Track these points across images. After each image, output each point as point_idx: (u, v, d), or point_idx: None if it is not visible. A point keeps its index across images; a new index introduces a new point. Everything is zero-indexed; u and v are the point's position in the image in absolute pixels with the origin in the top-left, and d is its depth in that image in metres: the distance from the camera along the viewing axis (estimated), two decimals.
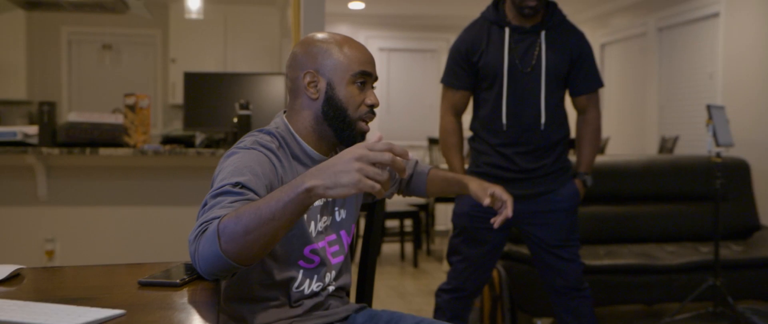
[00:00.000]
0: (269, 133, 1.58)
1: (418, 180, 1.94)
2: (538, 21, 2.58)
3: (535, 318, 3.54)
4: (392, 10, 7.55)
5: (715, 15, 5.51)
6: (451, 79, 2.70)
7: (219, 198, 1.35)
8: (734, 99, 5.20)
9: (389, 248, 6.44)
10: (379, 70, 7.38)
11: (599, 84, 2.69)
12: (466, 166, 2.74)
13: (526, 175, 2.60)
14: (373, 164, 1.19)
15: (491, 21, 2.62)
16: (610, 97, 7.17)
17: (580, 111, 2.71)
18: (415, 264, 5.63)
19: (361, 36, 7.84)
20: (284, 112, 1.66)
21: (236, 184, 1.36)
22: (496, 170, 2.62)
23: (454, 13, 7.42)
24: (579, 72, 2.63)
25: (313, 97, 1.59)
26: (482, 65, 2.60)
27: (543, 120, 2.56)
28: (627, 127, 6.87)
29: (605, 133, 7.12)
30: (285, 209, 1.20)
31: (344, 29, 7.79)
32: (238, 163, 1.44)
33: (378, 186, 1.19)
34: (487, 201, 1.85)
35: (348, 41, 1.62)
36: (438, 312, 2.73)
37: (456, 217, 2.69)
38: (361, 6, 7.36)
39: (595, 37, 7.28)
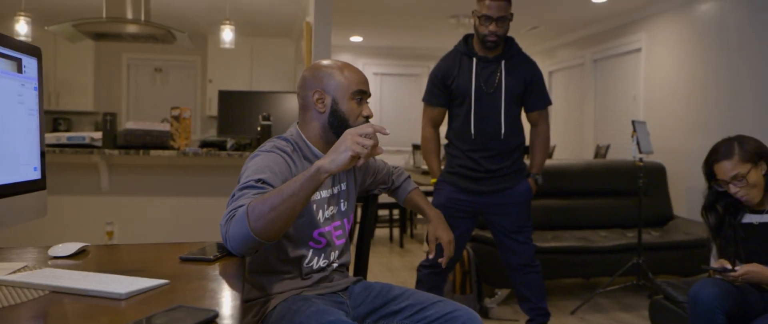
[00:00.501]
0: (285, 139, 1.58)
1: (401, 192, 1.92)
2: (499, 52, 2.58)
3: (496, 289, 3.52)
4: (385, 42, 7.54)
5: (638, 50, 5.53)
6: (431, 98, 2.68)
7: (244, 190, 1.34)
8: (653, 116, 5.21)
9: (381, 232, 6.41)
10: (373, 90, 7.37)
11: (548, 102, 2.69)
12: (443, 167, 2.73)
13: (490, 174, 2.59)
14: (361, 136, 1.27)
15: (462, 52, 2.62)
16: (556, 113, 7.17)
17: (533, 124, 2.71)
18: (402, 245, 5.61)
19: (360, 63, 7.82)
20: (297, 123, 1.65)
21: (259, 181, 1.36)
22: (466, 171, 2.61)
23: (433, 46, 7.42)
24: (532, 93, 2.63)
25: (321, 111, 1.59)
26: (455, 87, 2.60)
27: (503, 130, 2.56)
28: (570, 137, 6.88)
29: (553, 141, 7.13)
30: (302, 187, 1.25)
31: (346, 57, 7.77)
32: (260, 163, 1.43)
33: (368, 146, 1.26)
34: (430, 250, 1.80)
35: (347, 66, 1.62)
36: (419, 284, 2.71)
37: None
38: (360, 39, 7.34)
39: (545, 66, 7.29)
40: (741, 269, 1.95)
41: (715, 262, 2.11)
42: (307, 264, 1.59)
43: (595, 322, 3.28)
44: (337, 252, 1.65)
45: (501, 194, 2.59)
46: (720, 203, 2.15)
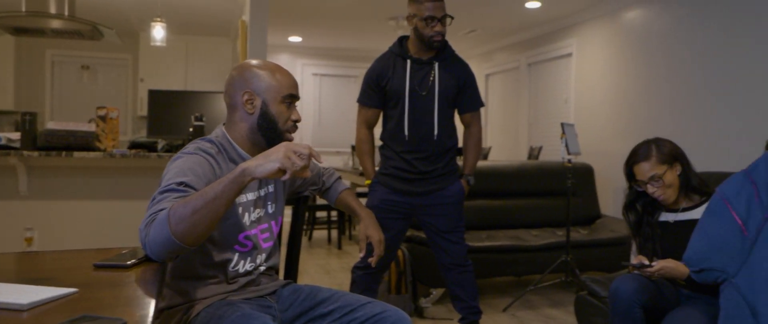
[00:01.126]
0: (210, 141, 1.54)
1: (332, 193, 1.91)
2: (433, 55, 2.61)
3: (432, 288, 3.56)
4: (324, 43, 7.51)
5: (569, 55, 5.72)
6: (365, 99, 2.69)
7: (165, 194, 1.30)
8: (583, 118, 5.41)
9: (319, 234, 6.38)
10: (312, 91, 7.29)
11: (480, 105, 2.73)
12: (377, 168, 2.74)
13: (423, 175, 2.62)
14: (295, 153, 1.27)
15: (396, 54, 2.63)
16: (493, 115, 7.33)
17: (466, 125, 2.75)
18: (340, 246, 5.59)
19: (299, 63, 7.75)
20: (223, 124, 1.62)
21: (180, 184, 1.33)
22: (400, 172, 2.62)
23: (372, 47, 7.44)
24: (464, 95, 2.67)
25: (249, 112, 1.57)
26: (389, 89, 2.61)
27: (436, 132, 2.59)
28: (505, 138, 7.04)
29: (489, 143, 7.28)
30: (225, 189, 1.23)
31: (285, 58, 7.68)
32: (182, 166, 1.40)
33: (298, 165, 1.26)
34: (361, 249, 1.81)
35: (279, 69, 1.61)
36: (353, 285, 2.71)
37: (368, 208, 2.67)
38: (299, 39, 7.28)
39: (481, 69, 7.44)
40: (657, 265, 2.04)
41: (634, 259, 2.21)
42: (233, 268, 1.56)
43: (525, 319, 3.37)
44: (264, 255, 1.63)
45: (434, 195, 2.62)
46: (639, 202, 2.25)
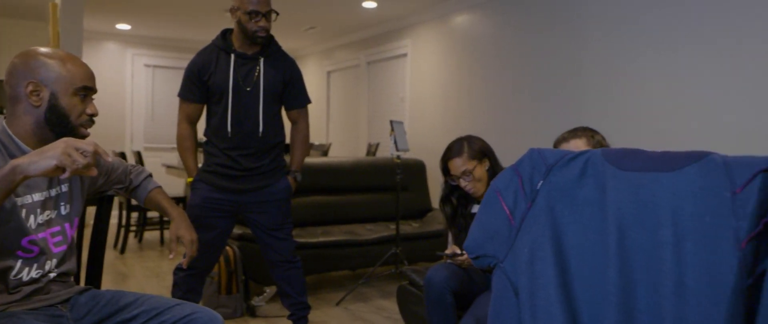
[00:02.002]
0: None
1: (141, 192, 1.81)
2: (258, 49, 2.57)
3: (265, 287, 3.52)
4: (156, 32, 7.07)
5: (405, 55, 5.96)
6: (187, 93, 2.58)
7: None
8: (417, 116, 5.68)
9: (151, 235, 6.02)
10: (144, 83, 6.81)
11: (307, 101, 2.74)
12: (201, 166, 2.64)
13: (248, 172, 2.57)
14: (77, 150, 1.18)
15: (220, 48, 2.56)
16: (334, 112, 7.42)
17: (293, 122, 2.75)
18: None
19: (129, 53, 7.23)
20: (4, 117, 1.46)
21: None
22: (224, 169, 2.56)
23: (207, 39, 7.14)
24: (291, 91, 2.66)
25: (35, 105, 1.43)
26: (211, 84, 2.53)
27: (261, 129, 2.55)
28: (346, 135, 7.16)
29: (330, 140, 7.36)
30: None
31: (112, 47, 7.12)
32: None
33: (80, 163, 1.18)
34: (172, 250, 1.76)
35: (71, 58, 1.48)
36: (175, 287, 2.59)
37: (189, 208, 2.57)
38: (127, 27, 6.78)
39: (323, 66, 7.49)
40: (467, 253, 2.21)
41: (449, 249, 2.36)
42: (16, 276, 1.41)
43: (357, 311, 3.46)
44: (55, 260, 1.49)
45: (260, 192, 2.59)
46: (454, 195, 2.41)
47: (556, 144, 2.24)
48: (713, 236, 0.84)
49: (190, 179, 2.60)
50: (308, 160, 4.11)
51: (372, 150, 5.77)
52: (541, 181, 1.10)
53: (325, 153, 5.92)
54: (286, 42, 6.66)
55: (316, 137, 7.54)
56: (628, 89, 3.63)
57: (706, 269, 0.84)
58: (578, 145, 2.17)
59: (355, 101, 6.92)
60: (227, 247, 3.35)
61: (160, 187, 1.84)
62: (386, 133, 6.24)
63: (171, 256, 1.74)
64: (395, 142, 3.57)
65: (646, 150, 1.01)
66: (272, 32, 2.60)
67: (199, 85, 2.54)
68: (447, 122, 5.30)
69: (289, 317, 2.79)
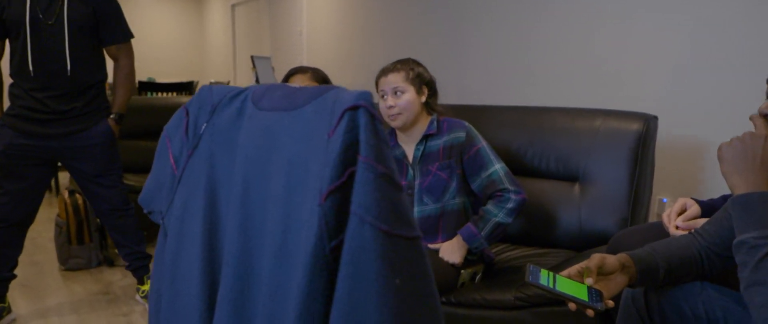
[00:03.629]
0: None
1: None
2: None
3: None
4: None
5: None
6: None
7: None
8: (314, 50, 5.43)
9: None
10: None
11: (128, 36, 2.47)
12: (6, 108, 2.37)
13: (60, 116, 2.32)
14: None
15: None
16: (239, 47, 7.07)
17: (114, 59, 2.48)
18: None
19: None
20: None
21: None
22: (31, 112, 2.30)
23: None
24: (106, 26, 2.39)
25: None
26: (6, 17, 2.24)
27: (69, 67, 2.28)
28: (249, 73, 6.87)
29: (237, 78, 7.05)
30: None
31: None
32: None
33: None
34: None
35: None
36: None
37: None
38: None
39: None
40: None
41: None
42: None
43: None
44: None
45: (74, 137, 2.35)
46: None
47: (377, 79, 2.08)
48: (313, 189, 0.70)
49: None
50: (139, 99, 3.78)
51: None
52: (205, 124, 0.93)
53: None
54: None
55: (222, 74, 7.21)
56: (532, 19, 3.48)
57: (301, 227, 0.70)
58: (396, 79, 2.01)
59: (259, 35, 6.60)
60: (77, 195, 3.12)
61: None
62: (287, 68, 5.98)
63: None
64: (256, 79, 3.35)
65: (293, 86, 0.85)
66: None
67: None
68: (340, 56, 5.08)
69: (127, 268, 2.62)
